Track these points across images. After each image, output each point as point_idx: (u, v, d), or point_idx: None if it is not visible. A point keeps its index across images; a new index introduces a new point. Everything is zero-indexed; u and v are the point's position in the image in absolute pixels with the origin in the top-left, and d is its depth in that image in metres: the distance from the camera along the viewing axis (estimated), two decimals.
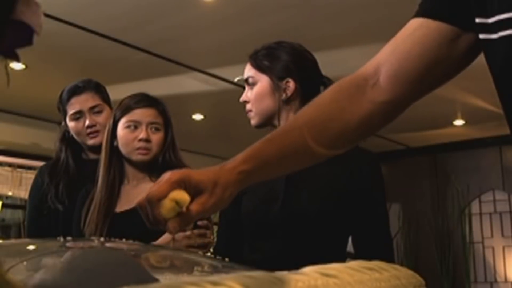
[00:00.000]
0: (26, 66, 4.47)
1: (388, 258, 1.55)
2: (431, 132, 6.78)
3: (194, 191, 0.92)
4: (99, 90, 2.33)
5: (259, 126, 1.74)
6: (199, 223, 1.81)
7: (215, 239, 1.84)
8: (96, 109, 2.28)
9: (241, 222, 1.75)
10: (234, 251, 1.73)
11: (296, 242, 1.64)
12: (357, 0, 3.65)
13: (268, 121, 1.73)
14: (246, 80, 1.75)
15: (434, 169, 7.34)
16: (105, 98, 2.34)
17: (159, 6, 3.71)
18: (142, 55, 4.43)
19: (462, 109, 5.94)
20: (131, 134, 1.96)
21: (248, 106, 1.73)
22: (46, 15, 3.47)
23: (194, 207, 0.91)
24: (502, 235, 6.86)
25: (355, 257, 1.66)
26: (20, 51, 0.75)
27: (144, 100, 2.02)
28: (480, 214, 7.00)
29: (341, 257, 1.67)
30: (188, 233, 1.74)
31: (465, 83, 4.92)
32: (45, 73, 4.73)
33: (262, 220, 1.69)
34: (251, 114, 1.73)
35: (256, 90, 1.72)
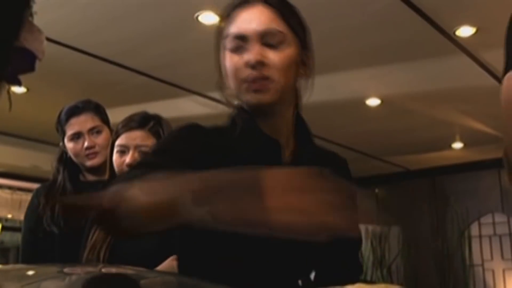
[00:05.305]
0: (27, 89, 4.49)
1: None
2: (430, 155, 6.78)
3: None
4: (99, 111, 2.31)
5: (270, 105, 1.23)
6: None
7: None
8: (95, 130, 2.25)
9: None
10: None
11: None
12: (358, 23, 3.68)
13: (280, 100, 1.24)
14: (266, 34, 1.21)
15: (433, 191, 7.32)
16: (104, 119, 2.31)
17: (159, 30, 3.74)
18: (142, 78, 4.45)
19: (461, 132, 5.95)
20: (119, 159, 1.91)
21: (266, 72, 1.20)
22: (47, 39, 3.49)
23: None
24: (502, 257, 6.82)
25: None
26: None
27: (134, 121, 1.97)
28: (480, 236, 6.97)
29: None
30: None
31: (464, 106, 4.94)
32: (46, 96, 4.74)
33: None
34: (269, 85, 1.21)
35: (287, 54, 1.22)
